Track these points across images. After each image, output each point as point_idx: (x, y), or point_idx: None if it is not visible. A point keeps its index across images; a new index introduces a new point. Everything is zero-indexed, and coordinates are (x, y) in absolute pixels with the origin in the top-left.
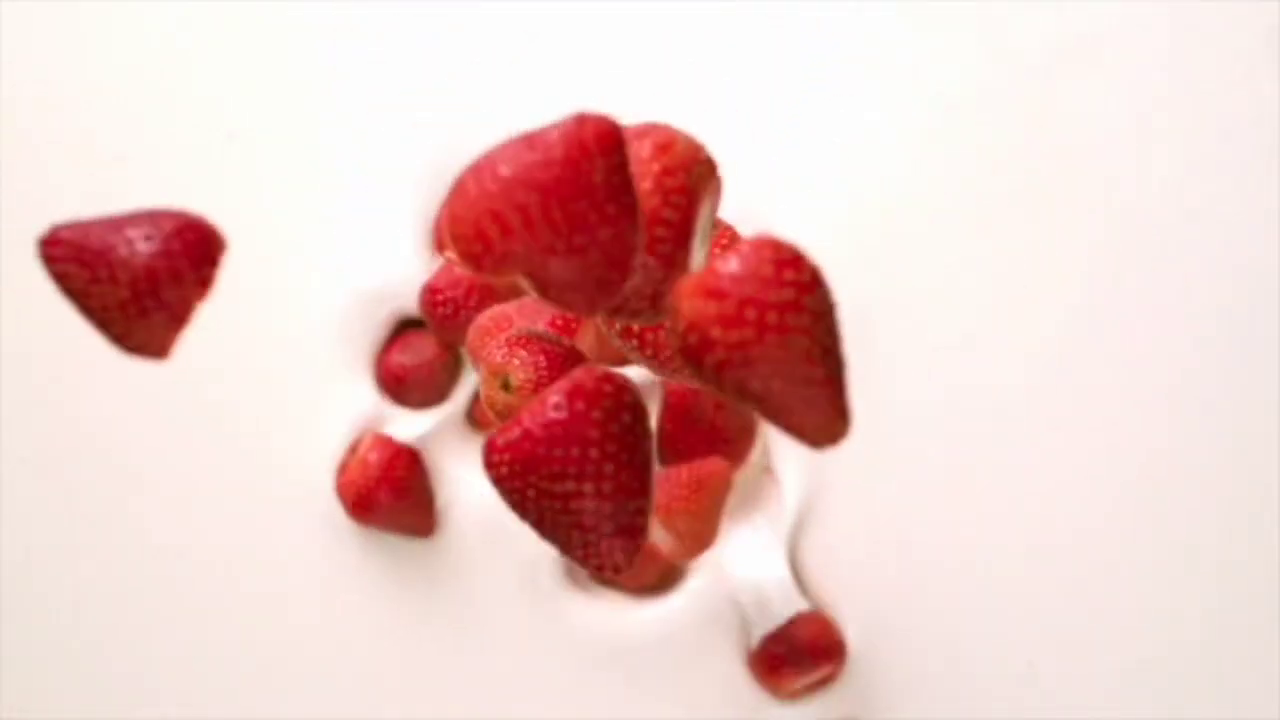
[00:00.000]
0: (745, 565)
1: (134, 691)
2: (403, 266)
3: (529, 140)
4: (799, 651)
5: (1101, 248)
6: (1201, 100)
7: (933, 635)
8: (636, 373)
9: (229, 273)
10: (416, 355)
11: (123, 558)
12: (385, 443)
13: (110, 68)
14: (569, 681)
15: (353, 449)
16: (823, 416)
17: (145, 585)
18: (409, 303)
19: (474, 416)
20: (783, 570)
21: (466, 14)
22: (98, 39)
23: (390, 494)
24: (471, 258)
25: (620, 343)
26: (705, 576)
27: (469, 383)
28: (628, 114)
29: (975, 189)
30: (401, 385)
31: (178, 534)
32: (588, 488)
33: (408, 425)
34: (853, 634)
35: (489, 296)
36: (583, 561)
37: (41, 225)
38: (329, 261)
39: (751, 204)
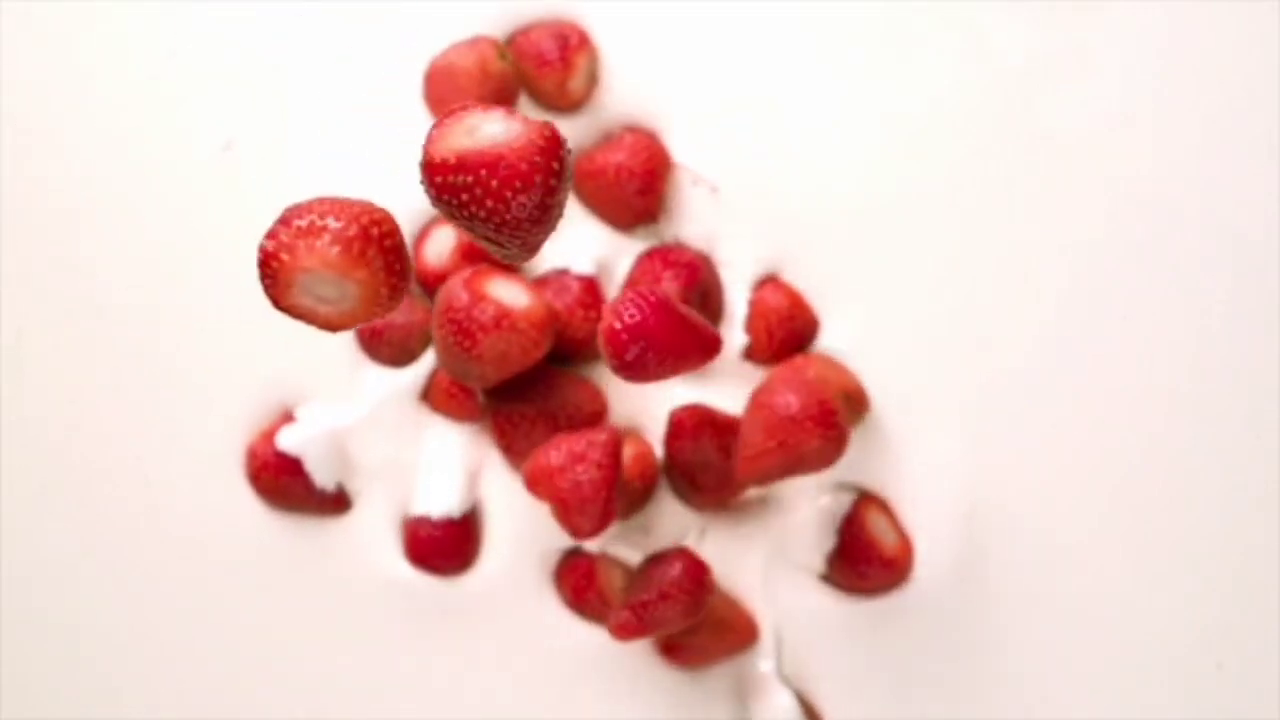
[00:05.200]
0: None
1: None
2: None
3: None
4: None
5: (1089, 253)
6: (1192, 105)
7: None
8: None
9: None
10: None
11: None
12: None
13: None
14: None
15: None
16: None
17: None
18: None
19: (431, 400)
20: (789, 701)
21: (464, 6)
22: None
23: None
24: None
25: None
26: None
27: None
28: (611, 118)
29: (962, 194)
30: (376, 339)
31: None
32: None
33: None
34: None
35: None
36: None
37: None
38: None
39: (735, 208)
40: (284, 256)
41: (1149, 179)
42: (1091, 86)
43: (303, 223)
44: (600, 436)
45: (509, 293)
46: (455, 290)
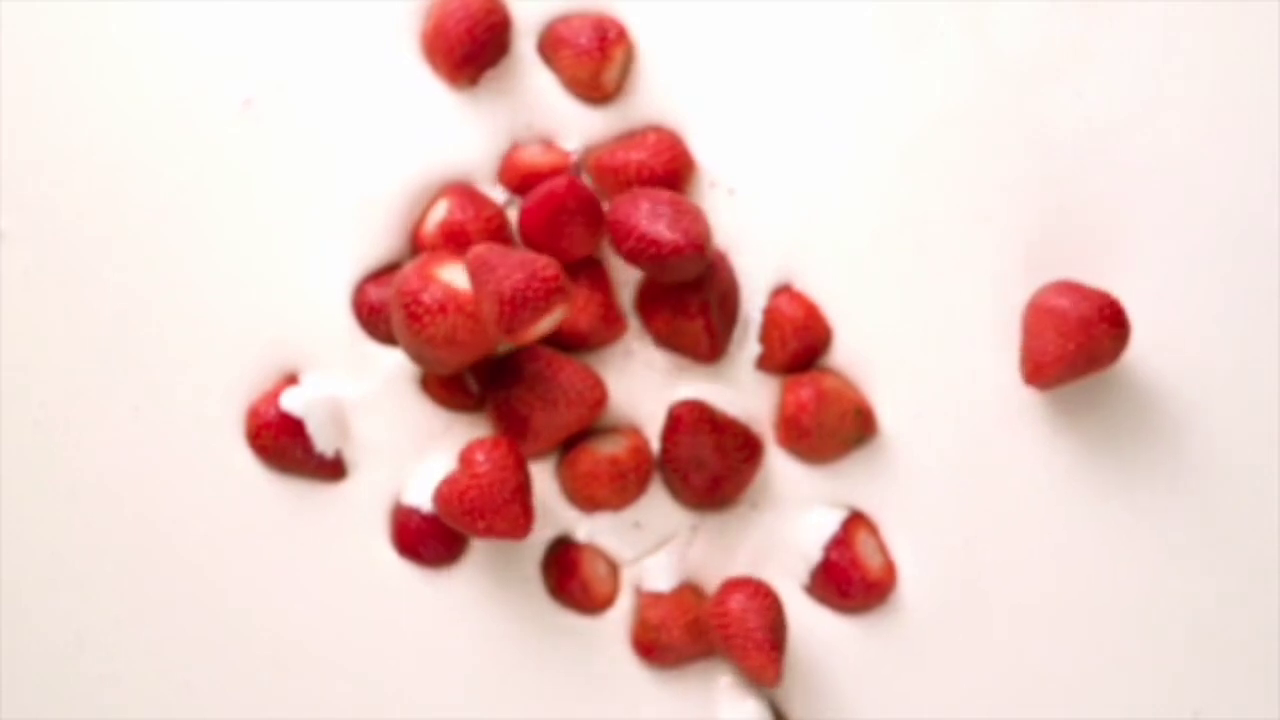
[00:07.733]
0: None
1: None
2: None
3: None
4: None
5: (1095, 252)
6: (1197, 102)
7: None
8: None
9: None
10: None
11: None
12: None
13: None
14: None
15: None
16: None
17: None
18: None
19: (428, 387)
20: (760, 705)
21: None
22: None
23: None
24: None
25: None
26: None
27: None
28: (636, 115)
29: (964, 197)
30: (375, 316)
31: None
32: None
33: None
34: None
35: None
36: None
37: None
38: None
39: (737, 214)
40: (551, 309)
41: (1157, 180)
42: (1109, 84)
43: (556, 286)
44: (528, 528)
45: (461, 276)
46: (406, 274)
